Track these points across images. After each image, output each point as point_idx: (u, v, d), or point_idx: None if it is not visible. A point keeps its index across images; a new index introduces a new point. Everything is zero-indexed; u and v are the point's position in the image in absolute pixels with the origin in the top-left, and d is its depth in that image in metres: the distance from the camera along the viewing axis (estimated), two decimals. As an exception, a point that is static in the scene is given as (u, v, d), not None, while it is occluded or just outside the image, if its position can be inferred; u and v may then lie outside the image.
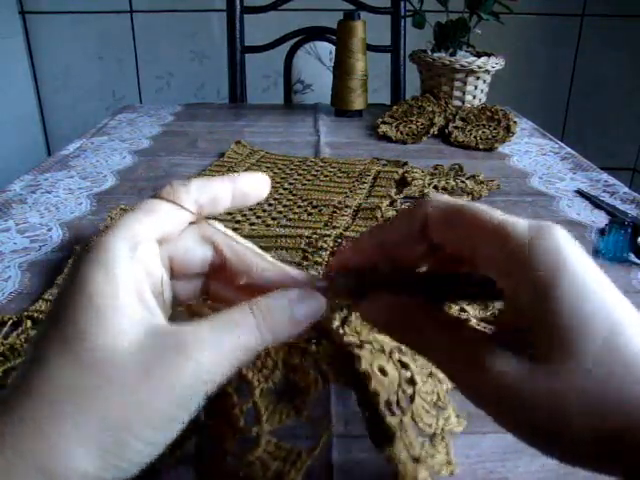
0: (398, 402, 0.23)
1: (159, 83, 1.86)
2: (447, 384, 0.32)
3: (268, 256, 0.25)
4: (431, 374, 0.31)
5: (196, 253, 0.24)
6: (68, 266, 0.47)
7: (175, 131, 0.91)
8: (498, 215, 0.20)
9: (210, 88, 1.85)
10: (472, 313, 0.38)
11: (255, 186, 0.25)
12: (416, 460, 0.22)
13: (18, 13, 1.73)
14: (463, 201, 0.22)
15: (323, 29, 1.25)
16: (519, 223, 0.19)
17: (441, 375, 0.32)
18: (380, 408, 0.23)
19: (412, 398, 0.25)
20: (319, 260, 0.48)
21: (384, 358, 0.27)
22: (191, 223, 0.24)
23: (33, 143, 1.83)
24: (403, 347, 0.31)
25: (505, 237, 0.19)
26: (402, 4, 1.17)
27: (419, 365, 0.30)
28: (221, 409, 0.23)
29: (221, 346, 0.20)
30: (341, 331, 0.24)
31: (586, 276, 0.18)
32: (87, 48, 1.80)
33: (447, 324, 0.22)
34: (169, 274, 0.24)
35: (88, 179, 0.69)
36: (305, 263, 0.47)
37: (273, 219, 0.57)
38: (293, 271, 0.24)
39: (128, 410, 0.18)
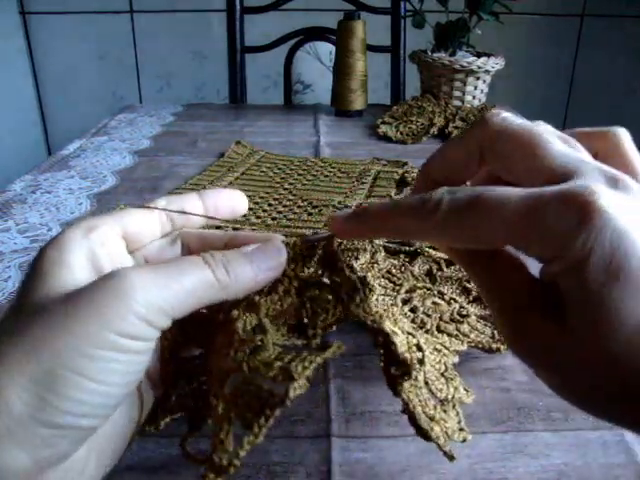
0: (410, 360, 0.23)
1: (159, 83, 1.86)
2: (453, 358, 0.32)
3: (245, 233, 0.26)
4: (436, 349, 0.31)
5: (166, 253, 0.25)
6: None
7: (175, 131, 0.91)
8: (547, 143, 0.20)
9: (210, 88, 1.85)
10: (472, 310, 0.39)
11: (230, 203, 0.27)
12: (431, 419, 0.22)
13: (18, 13, 1.73)
14: (523, 122, 0.21)
15: (323, 29, 1.25)
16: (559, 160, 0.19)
17: (445, 351, 0.32)
18: (397, 343, 0.22)
19: (421, 361, 0.25)
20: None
21: (390, 322, 0.27)
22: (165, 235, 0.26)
23: (33, 143, 1.83)
24: (406, 324, 0.31)
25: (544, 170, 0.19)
26: (402, 4, 1.17)
27: (423, 338, 0.30)
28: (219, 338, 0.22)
29: (160, 284, 0.20)
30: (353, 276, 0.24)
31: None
32: (87, 48, 1.80)
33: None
34: None
35: (88, 179, 0.69)
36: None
37: (273, 219, 0.57)
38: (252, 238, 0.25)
39: (57, 341, 0.18)
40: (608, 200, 0.17)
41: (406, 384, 0.22)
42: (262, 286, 0.23)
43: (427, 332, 0.36)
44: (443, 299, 0.40)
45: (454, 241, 0.20)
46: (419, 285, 0.41)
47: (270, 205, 0.60)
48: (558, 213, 0.17)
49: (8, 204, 0.61)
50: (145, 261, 0.25)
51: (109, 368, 0.19)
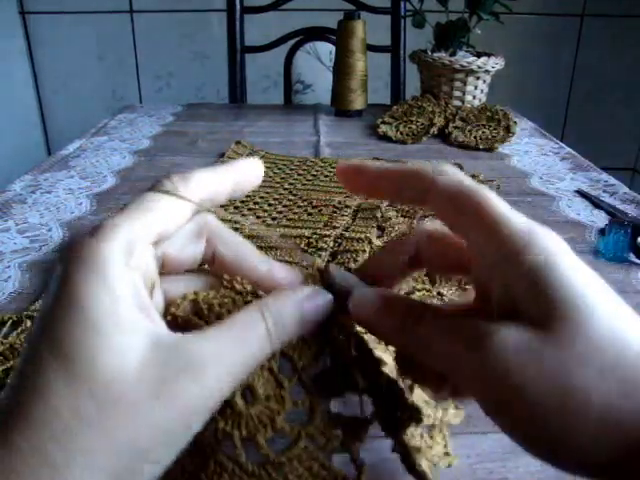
0: None
1: (159, 83, 1.86)
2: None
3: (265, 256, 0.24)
4: None
5: (188, 250, 0.23)
6: (55, 268, 0.47)
7: (175, 131, 0.91)
8: (497, 206, 0.20)
9: (210, 88, 1.85)
10: (449, 297, 0.39)
11: (251, 173, 0.24)
12: (417, 450, 0.22)
13: (18, 13, 1.72)
14: (473, 183, 0.21)
15: (323, 29, 1.25)
16: (514, 221, 0.19)
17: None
18: (400, 386, 0.23)
19: (411, 388, 0.25)
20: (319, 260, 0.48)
21: (381, 349, 0.27)
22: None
23: (33, 143, 1.83)
24: None
25: (501, 234, 0.19)
26: (402, 4, 1.17)
27: None
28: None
29: (229, 359, 0.19)
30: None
31: (578, 265, 0.19)
32: (87, 48, 1.80)
33: (442, 311, 0.21)
34: (159, 265, 0.22)
35: (88, 179, 0.69)
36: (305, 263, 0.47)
37: (273, 219, 0.57)
38: (285, 269, 0.24)
39: (138, 433, 0.17)
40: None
41: (408, 429, 0.22)
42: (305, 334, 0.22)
43: None
44: (442, 300, 0.40)
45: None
46: (418, 287, 0.41)
47: (270, 205, 0.60)
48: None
49: (8, 204, 0.61)
50: (162, 255, 0.22)
51: (176, 450, 0.18)
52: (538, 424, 0.17)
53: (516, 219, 0.19)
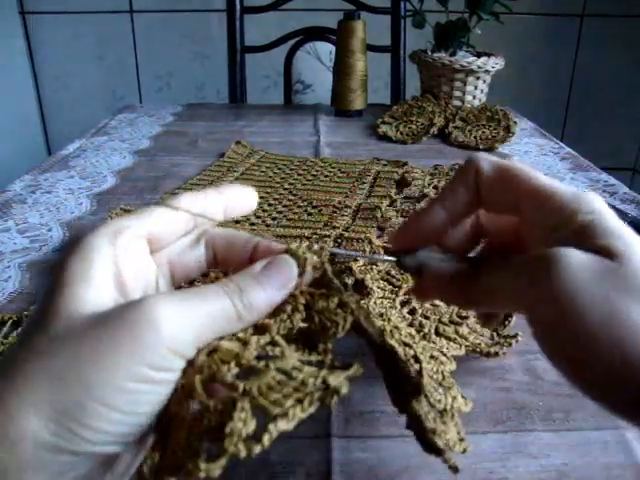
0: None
1: (159, 83, 1.86)
2: (450, 365, 0.32)
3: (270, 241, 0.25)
4: (432, 356, 0.31)
5: (190, 255, 0.25)
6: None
7: (175, 131, 0.91)
8: (543, 179, 0.22)
9: (210, 88, 1.85)
10: (471, 312, 0.39)
11: (242, 199, 0.26)
12: (432, 432, 0.22)
13: (18, 13, 1.72)
14: (507, 160, 0.24)
15: (323, 29, 1.25)
16: (562, 189, 0.22)
17: (443, 358, 0.32)
18: (402, 359, 0.23)
19: (420, 373, 0.25)
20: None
21: (387, 335, 0.27)
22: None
23: (33, 143, 1.83)
24: (402, 330, 0.31)
25: (552, 202, 0.21)
26: (402, 4, 1.17)
27: (420, 346, 0.30)
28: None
29: (187, 314, 0.19)
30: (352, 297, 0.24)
31: (619, 222, 0.21)
32: (87, 48, 1.80)
33: (501, 259, 0.23)
34: (172, 279, 0.25)
35: (88, 179, 0.69)
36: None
37: (273, 219, 0.57)
38: (268, 241, 0.25)
39: (86, 371, 0.18)
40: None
41: (415, 401, 0.22)
42: (276, 305, 0.22)
43: (425, 337, 0.36)
44: None
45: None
46: None
47: (270, 205, 0.60)
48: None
49: (8, 204, 0.61)
50: (167, 263, 0.24)
51: (137, 399, 0.18)
52: (590, 347, 0.18)
53: (563, 188, 0.22)
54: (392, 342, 0.24)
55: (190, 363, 0.20)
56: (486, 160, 0.24)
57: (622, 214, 0.60)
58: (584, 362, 0.19)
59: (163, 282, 0.24)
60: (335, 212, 0.58)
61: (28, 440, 0.17)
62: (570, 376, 0.20)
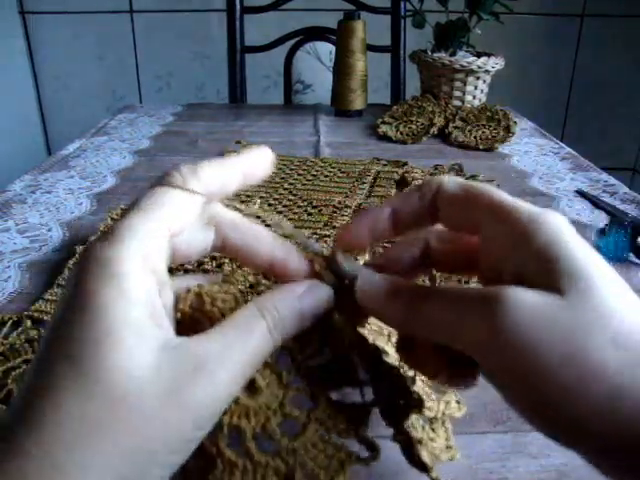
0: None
1: (159, 83, 1.86)
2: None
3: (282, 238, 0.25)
4: None
5: (198, 239, 0.23)
6: (68, 273, 0.47)
7: (175, 131, 0.91)
8: (506, 197, 0.21)
9: (210, 88, 1.85)
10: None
11: (260, 163, 0.24)
12: (418, 442, 0.22)
13: (18, 13, 1.72)
14: (475, 183, 0.22)
15: (323, 29, 1.25)
16: (524, 207, 0.21)
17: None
18: (400, 374, 0.23)
19: (414, 380, 0.25)
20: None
21: (383, 340, 0.27)
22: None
23: (33, 143, 1.83)
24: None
25: (512, 220, 0.20)
26: (402, 4, 1.17)
27: None
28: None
29: (236, 359, 0.19)
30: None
31: (583, 244, 0.20)
32: (87, 48, 1.80)
33: (449, 288, 0.22)
34: (170, 256, 0.22)
35: (88, 179, 0.69)
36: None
37: (273, 219, 0.57)
38: (301, 259, 0.24)
39: (148, 436, 0.17)
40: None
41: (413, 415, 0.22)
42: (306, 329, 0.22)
43: None
44: None
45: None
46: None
47: (270, 205, 0.60)
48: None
49: (8, 204, 0.61)
50: (171, 246, 0.22)
51: (187, 453, 0.18)
52: (548, 389, 0.17)
53: (524, 207, 0.21)
54: (384, 345, 0.24)
55: None
56: (451, 178, 0.23)
57: (622, 214, 0.60)
58: (544, 406, 0.18)
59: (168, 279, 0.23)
60: (335, 212, 0.58)
61: None
62: (535, 423, 0.19)
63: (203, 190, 0.22)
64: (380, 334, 0.26)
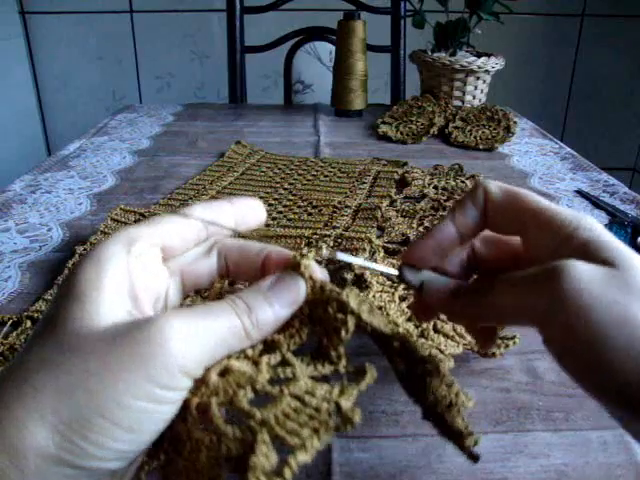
0: None
1: (159, 83, 1.86)
2: (448, 363, 0.32)
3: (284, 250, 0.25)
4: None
5: (201, 264, 0.25)
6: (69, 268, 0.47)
7: (175, 131, 0.91)
8: (548, 203, 0.24)
9: (210, 88, 1.85)
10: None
11: (252, 211, 0.26)
12: (447, 407, 0.22)
13: (18, 13, 1.72)
14: (514, 187, 0.25)
15: (323, 29, 1.25)
16: (566, 212, 0.24)
17: (441, 356, 0.32)
18: (415, 343, 0.23)
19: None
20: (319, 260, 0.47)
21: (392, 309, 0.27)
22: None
23: (33, 143, 1.83)
24: (400, 327, 0.31)
25: (556, 224, 0.23)
26: (402, 4, 1.17)
27: (418, 344, 0.30)
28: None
29: (197, 334, 0.20)
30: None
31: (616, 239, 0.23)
32: (87, 48, 1.80)
33: (507, 276, 0.24)
34: (182, 288, 0.25)
35: (88, 179, 0.69)
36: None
37: (273, 219, 0.57)
38: (278, 250, 0.25)
39: (94, 386, 0.18)
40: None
41: (435, 381, 0.22)
42: (284, 322, 0.22)
43: (423, 333, 0.36)
44: None
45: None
46: None
47: (270, 205, 0.60)
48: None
49: (8, 204, 0.61)
50: (179, 272, 0.25)
51: (143, 418, 0.18)
52: (602, 347, 0.19)
53: (565, 210, 0.24)
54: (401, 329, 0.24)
55: (198, 381, 0.20)
56: (494, 184, 0.26)
57: (622, 214, 0.60)
58: (599, 366, 0.19)
59: (174, 290, 0.25)
60: (335, 212, 0.58)
61: (32, 450, 0.17)
62: (586, 383, 0.21)
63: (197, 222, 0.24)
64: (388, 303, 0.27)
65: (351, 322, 0.22)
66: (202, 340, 0.20)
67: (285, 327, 0.22)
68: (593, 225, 0.23)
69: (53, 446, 0.17)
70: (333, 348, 0.22)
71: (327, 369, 0.21)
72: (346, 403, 0.19)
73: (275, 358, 0.21)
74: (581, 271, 0.20)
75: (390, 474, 0.28)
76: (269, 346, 0.22)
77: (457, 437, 0.22)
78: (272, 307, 0.22)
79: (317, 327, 0.22)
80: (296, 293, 0.23)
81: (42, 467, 0.17)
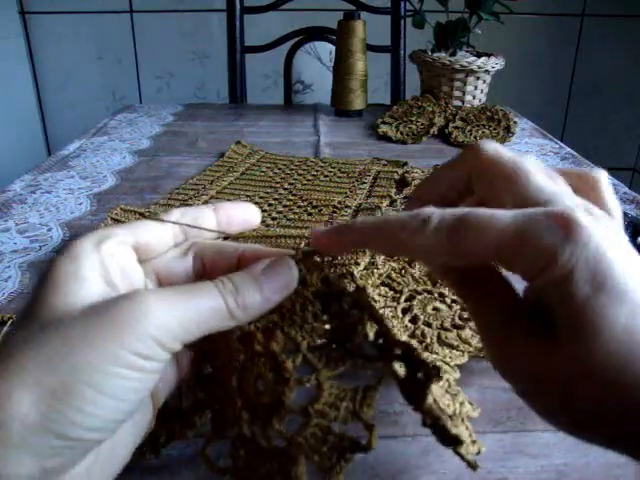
0: None
1: (159, 83, 1.86)
2: (453, 374, 0.32)
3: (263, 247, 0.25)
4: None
5: (176, 265, 0.25)
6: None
7: (175, 131, 0.91)
8: (531, 183, 0.21)
9: (210, 88, 1.85)
10: (450, 297, 0.39)
11: (243, 214, 0.26)
12: (449, 417, 0.22)
13: (18, 13, 1.72)
14: (511, 154, 0.22)
15: (323, 29, 1.25)
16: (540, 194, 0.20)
17: (446, 367, 0.32)
18: (415, 348, 0.23)
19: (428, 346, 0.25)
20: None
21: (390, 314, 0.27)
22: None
23: (33, 143, 1.83)
24: (405, 335, 0.32)
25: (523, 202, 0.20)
26: (402, 4, 1.17)
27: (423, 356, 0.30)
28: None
29: (176, 308, 0.20)
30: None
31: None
32: (87, 48, 1.80)
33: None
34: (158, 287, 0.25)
35: (88, 179, 0.69)
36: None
37: (273, 219, 0.57)
38: (255, 247, 0.25)
39: (75, 357, 0.18)
40: (588, 220, 0.18)
41: (435, 386, 0.23)
42: (274, 306, 0.23)
43: (427, 348, 0.35)
44: (444, 302, 0.40)
45: (442, 256, 0.20)
46: (419, 289, 0.41)
47: (270, 205, 0.60)
48: (545, 229, 0.18)
49: (8, 204, 0.61)
50: (155, 272, 0.25)
51: (123, 385, 0.19)
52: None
53: (544, 188, 0.20)
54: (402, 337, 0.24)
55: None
56: (490, 146, 0.23)
57: (622, 214, 0.60)
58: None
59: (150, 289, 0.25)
60: (335, 212, 0.58)
61: (16, 420, 0.17)
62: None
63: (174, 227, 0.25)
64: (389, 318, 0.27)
65: (366, 318, 0.22)
66: (180, 315, 0.20)
67: (299, 319, 0.23)
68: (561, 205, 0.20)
69: (38, 415, 0.18)
70: (350, 342, 0.22)
71: (340, 369, 0.22)
72: (366, 413, 0.21)
73: (298, 359, 0.22)
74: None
75: (390, 474, 0.28)
76: (286, 339, 0.22)
77: (459, 445, 0.22)
78: (261, 291, 0.22)
79: (333, 322, 0.23)
80: (288, 280, 0.23)
81: (25, 437, 0.17)
